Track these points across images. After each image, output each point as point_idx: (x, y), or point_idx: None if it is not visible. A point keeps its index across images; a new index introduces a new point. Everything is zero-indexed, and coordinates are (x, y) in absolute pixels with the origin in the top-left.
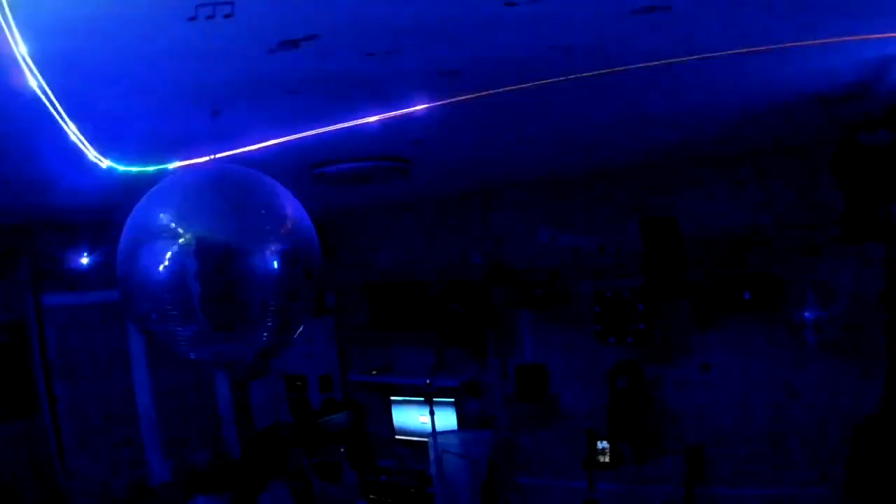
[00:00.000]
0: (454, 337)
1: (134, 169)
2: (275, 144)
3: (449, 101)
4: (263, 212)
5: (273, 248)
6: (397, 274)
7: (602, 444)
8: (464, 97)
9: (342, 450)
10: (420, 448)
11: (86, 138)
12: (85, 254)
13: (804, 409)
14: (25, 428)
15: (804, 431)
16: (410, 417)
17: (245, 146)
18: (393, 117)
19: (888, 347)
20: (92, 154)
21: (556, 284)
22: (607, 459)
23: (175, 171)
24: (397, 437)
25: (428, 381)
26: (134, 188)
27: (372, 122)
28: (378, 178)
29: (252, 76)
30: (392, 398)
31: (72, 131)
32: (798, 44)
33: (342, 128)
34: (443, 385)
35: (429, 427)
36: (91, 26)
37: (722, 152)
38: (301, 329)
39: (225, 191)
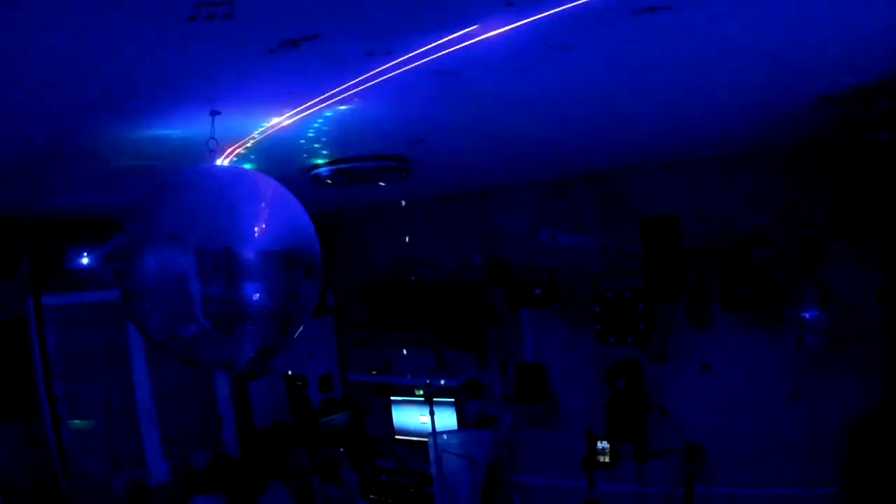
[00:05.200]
0: (454, 337)
1: None
2: (276, 144)
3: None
4: (263, 212)
5: (273, 249)
6: (397, 274)
7: (602, 444)
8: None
9: (342, 450)
10: (420, 448)
11: None
12: (85, 254)
13: (804, 408)
14: (25, 428)
15: (803, 431)
16: (410, 417)
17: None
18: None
19: (887, 347)
20: None
21: (555, 284)
22: (607, 459)
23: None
24: (397, 437)
25: (428, 381)
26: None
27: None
28: (378, 178)
29: (252, 76)
30: (392, 398)
31: None
32: None
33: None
34: (443, 385)
35: (429, 427)
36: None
37: (722, 152)
38: (301, 329)
39: (225, 191)
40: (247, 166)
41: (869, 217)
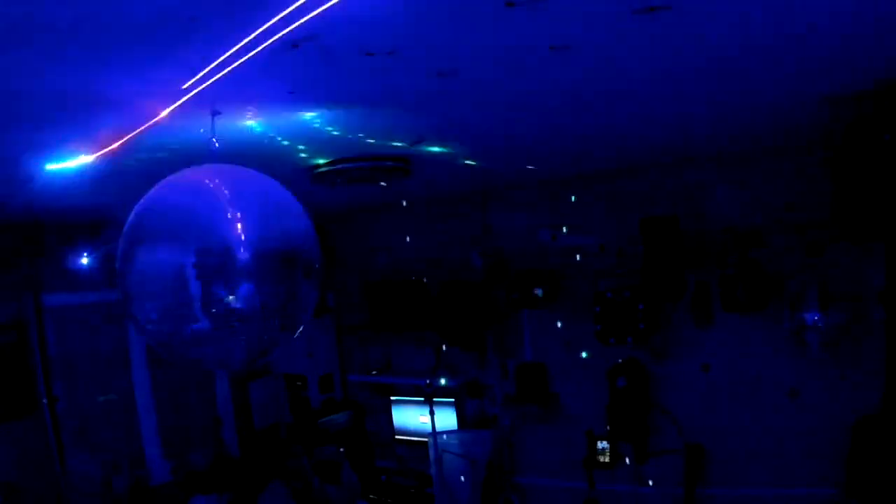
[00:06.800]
0: (454, 337)
1: None
2: (275, 144)
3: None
4: (263, 212)
5: (273, 249)
6: (397, 274)
7: (602, 444)
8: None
9: (342, 450)
10: (420, 448)
11: None
12: (85, 254)
13: (804, 408)
14: (25, 428)
15: (804, 431)
16: (410, 417)
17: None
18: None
19: (888, 347)
20: None
21: (556, 284)
22: (607, 459)
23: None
24: (397, 437)
25: (428, 381)
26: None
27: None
28: (378, 178)
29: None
30: (392, 398)
31: None
32: None
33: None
34: (443, 385)
35: (429, 427)
36: None
37: (722, 152)
38: (301, 329)
39: (225, 191)
40: (246, 166)
41: (869, 217)
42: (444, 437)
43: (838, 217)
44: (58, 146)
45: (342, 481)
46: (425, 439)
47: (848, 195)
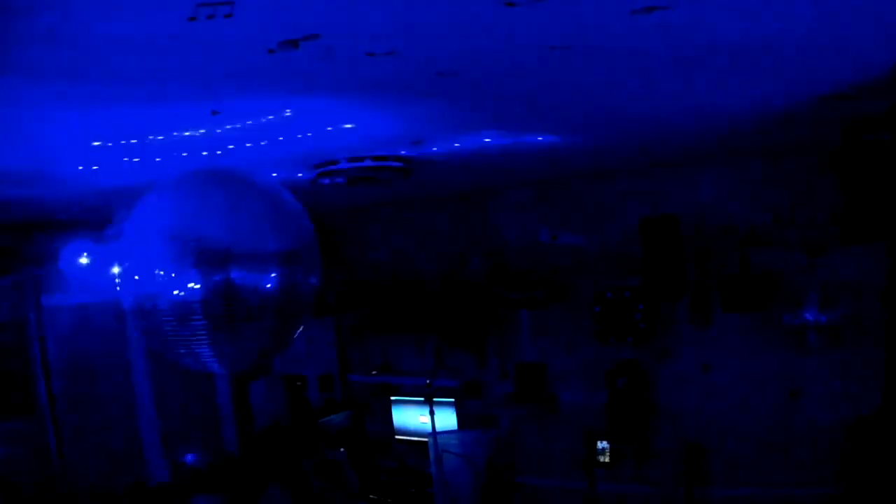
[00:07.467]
0: (454, 337)
1: None
2: (275, 144)
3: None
4: (263, 212)
5: (273, 249)
6: (397, 274)
7: (602, 444)
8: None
9: (342, 450)
10: (420, 448)
11: None
12: (84, 254)
13: (804, 408)
14: (25, 428)
15: (804, 431)
16: (410, 417)
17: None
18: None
19: (888, 347)
20: None
21: (556, 284)
22: (607, 459)
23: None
24: (397, 437)
25: (428, 381)
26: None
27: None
28: (378, 178)
29: (253, 76)
30: (392, 398)
31: None
32: None
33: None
34: (443, 385)
35: (429, 427)
36: None
37: (722, 151)
38: (301, 329)
39: (225, 192)
40: (246, 167)
41: (870, 216)
42: (444, 437)
43: (838, 217)
44: None
45: (342, 481)
46: (425, 439)
47: (848, 195)
